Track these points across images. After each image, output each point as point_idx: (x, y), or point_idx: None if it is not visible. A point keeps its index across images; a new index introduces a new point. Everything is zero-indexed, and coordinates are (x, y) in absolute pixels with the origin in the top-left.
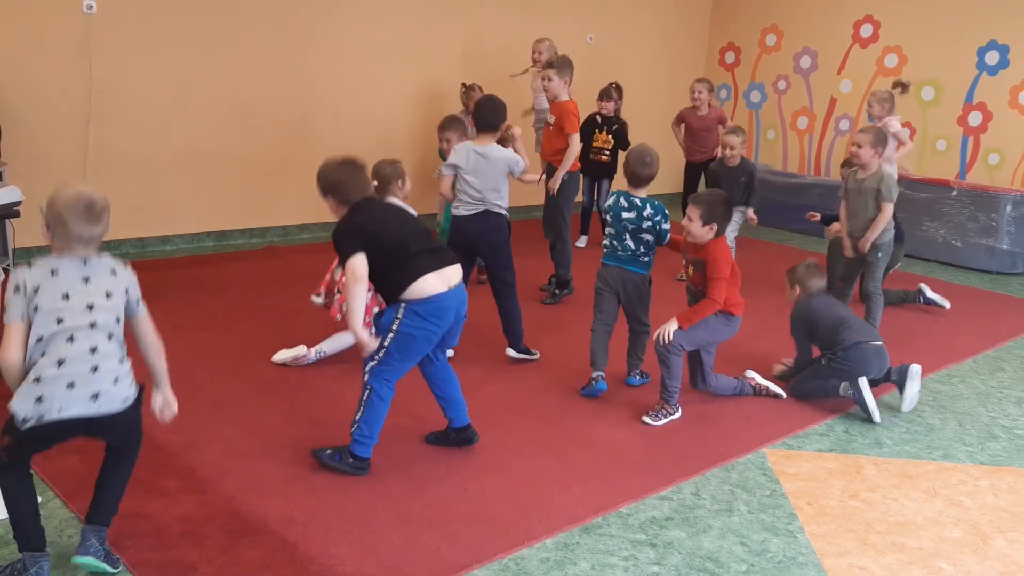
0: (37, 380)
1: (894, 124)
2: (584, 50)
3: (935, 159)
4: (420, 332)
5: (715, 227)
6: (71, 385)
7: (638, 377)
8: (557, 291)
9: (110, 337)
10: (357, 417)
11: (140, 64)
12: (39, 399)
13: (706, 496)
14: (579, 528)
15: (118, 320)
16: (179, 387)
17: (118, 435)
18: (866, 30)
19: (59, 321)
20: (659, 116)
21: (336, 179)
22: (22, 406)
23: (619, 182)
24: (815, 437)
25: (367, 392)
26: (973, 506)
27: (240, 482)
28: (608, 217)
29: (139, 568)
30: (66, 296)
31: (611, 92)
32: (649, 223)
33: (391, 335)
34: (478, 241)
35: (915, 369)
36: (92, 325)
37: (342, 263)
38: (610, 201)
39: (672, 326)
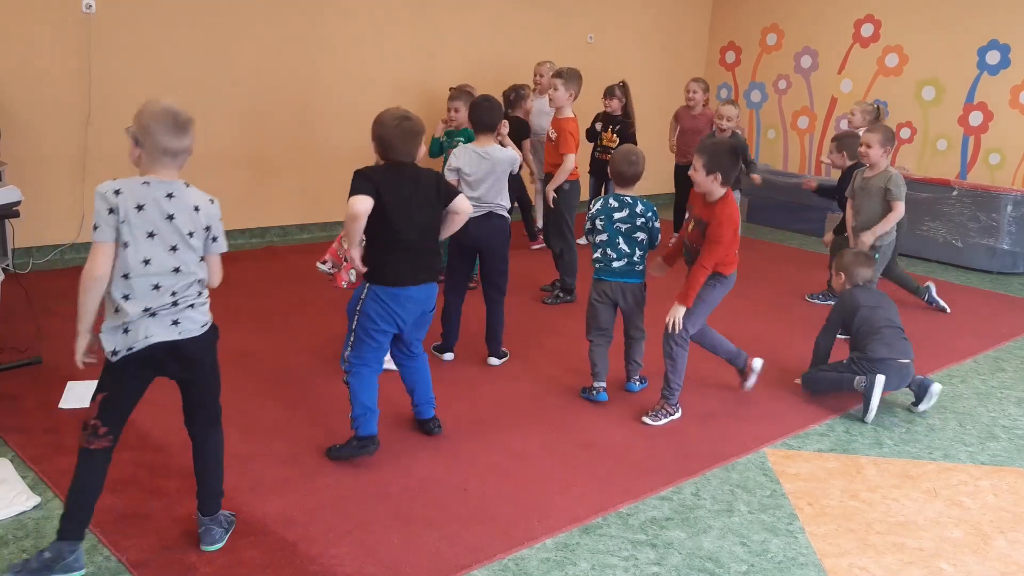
0: (120, 312)
1: None
2: (584, 50)
3: (936, 159)
4: (381, 315)
5: (719, 176)
6: (153, 314)
7: (637, 383)
8: (560, 294)
9: (190, 274)
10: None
11: (140, 64)
12: (125, 330)
13: (706, 496)
14: (579, 528)
15: (200, 259)
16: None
17: (198, 364)
18: (867, 29)
19: (145, 262)
20: (659, 116)
21: (387, 136)
22: (110, 339)
23: None
24: (815, 437)
25: (346, 379)
26: (974, 506)
27: (240, 482)
28: (598, 223)
29: (139, 568)
30: (151, 235)
31: (615, 90)
32: (642, 219)
33: (356, 318)
34: (482, 243)
35: (936, 388)
36: (176, 270)
37: (349, 197)
38: (597, 205)
39: (679, 312)
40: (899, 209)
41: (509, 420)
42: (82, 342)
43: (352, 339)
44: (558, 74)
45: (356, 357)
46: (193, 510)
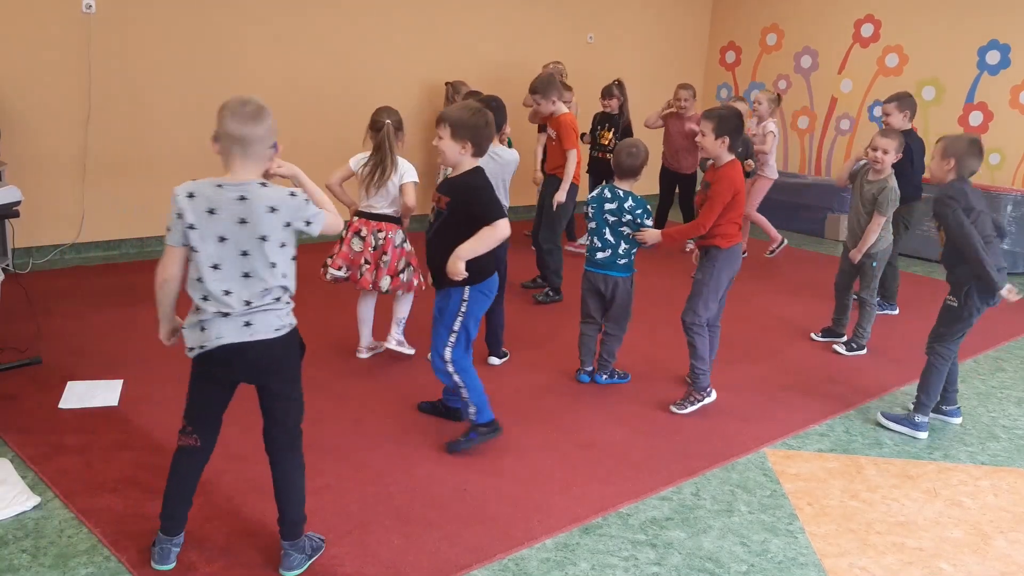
0: (199, 310)
1: (771, 125)
2: (584, 50)
3: None
4: (483, 307)
5: (726, 140)
6: (226, 315)
7: (604, 376)
8: (551, 292)
9: (260, 280)
10: (465, 396)
11: (139, 64)
12: (202, 328)
13: (706, 496)
14: (579, 528)
15: (272, 264)
16: (179, 387)
17: (269, 370)
18: (867, 29)
19: (215, 267)
20: (644, 121)
21: (477, 125)
22: (189, 335)
23: None
24: (815, 437)
25: (457, 377)
26: (974, 506)
27: (240, 482)
28: (590, 210)
29: (139, 568)
30: (221, 239)
31: (612, 89)
32: (629, 216)
33: (459, 318)
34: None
35: (956, 421)
36: (246, 275)
37: (490, 220)
38: (594, 192)
39: (650, 236)
40: (878, 223)
41: (509, 420)
42: (163, 328)
43: (454, 339)
44: (533, 91)
45: (460, 354)
46: (192, 510)
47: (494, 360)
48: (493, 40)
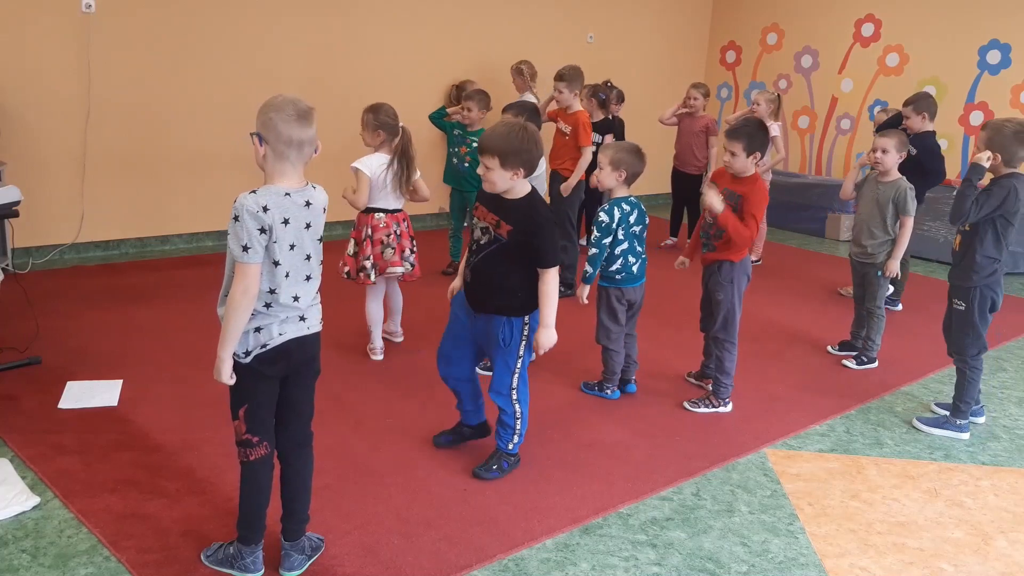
0: (254, 317)
1: (775, 128)
2: (584, 50)
3: None
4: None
5: (758, 156)
6: (286, 317)
7: (635, 383)
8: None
9: (316, 279)
10: (517, 427)
11: (139, 64)
12: (258, 330)
13: (707, 496)
14: (579, 528)
15: (320, 262)
16: (178, 387)
17: (310, 362)
18: (867, 29)
19: (287, 275)
20: (659, 116)
21: (526, 148)
22: (241, 341)
23: None
24: (816, 437)
25: (519, 407)
26: (974, 506)
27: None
28: (619, 232)
29: (139, 568)
30: (292, 247)
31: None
32: (644, 216)
33: (521, 352)
34: None
35: (980, 421)
36: (308, 278)
37: (549, 264)
38: (615, 215)
39: (718, 204)
40: (908, 226)
41: None
42: (228, 366)
43: (519, 371)
44: (560, 77)
45: (524, 383)
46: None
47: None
48: (493, 40)
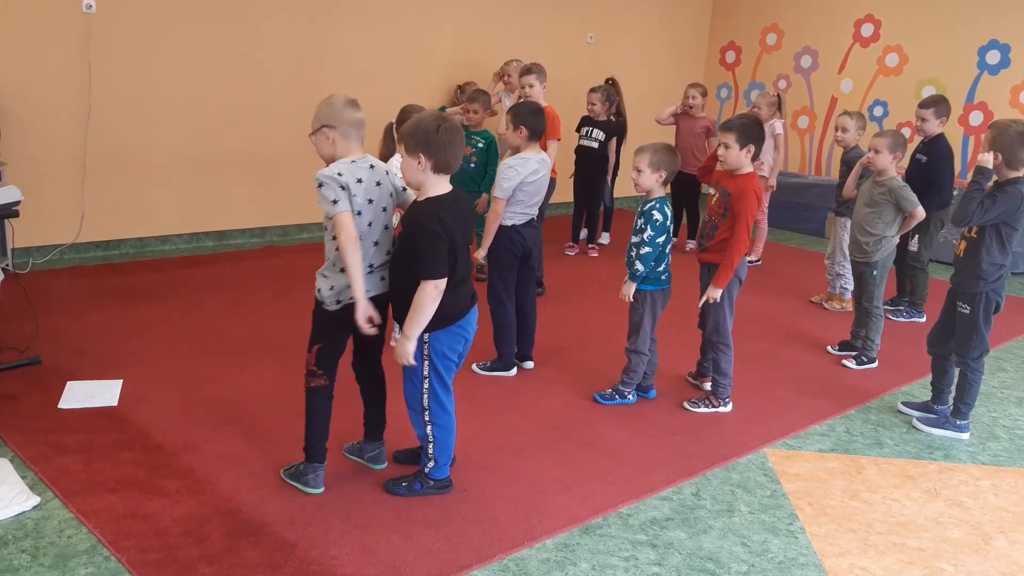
0: (342, 271)
1: (778, 127)
2: (584, 50)
3: None
4: (450, 348)
5: (752, 148)
6: (371, 271)
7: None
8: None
9: (391, 229)
10: (430, 451)
11: (139, 64)
12: (348, 284)
13: (707, 496)
14: (579, 528)
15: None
16: (179, 387)
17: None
18: (867, 29)
19: (369, 224)
20: (656, 117)
21: (437, 142)
22: (335, 293)
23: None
24: (816, 437)
25: (430, 428)
26: (974, 506)
27: (240, 482)
28: (661, 240)
29: (139, 568)
30: (370, 201)
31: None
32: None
33: (426, 363)
34: (534, 250)
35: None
36: (386, 227)
37: (425, 276)
38: (669, 215)
39: (715, 292)
40: (919, 214)
41: (510, 420)
42: (363, 305)
43: (427, 392)
44: (528, 70)
45: (440, 406)
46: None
47: (528, 364)
48: (494, 40)
